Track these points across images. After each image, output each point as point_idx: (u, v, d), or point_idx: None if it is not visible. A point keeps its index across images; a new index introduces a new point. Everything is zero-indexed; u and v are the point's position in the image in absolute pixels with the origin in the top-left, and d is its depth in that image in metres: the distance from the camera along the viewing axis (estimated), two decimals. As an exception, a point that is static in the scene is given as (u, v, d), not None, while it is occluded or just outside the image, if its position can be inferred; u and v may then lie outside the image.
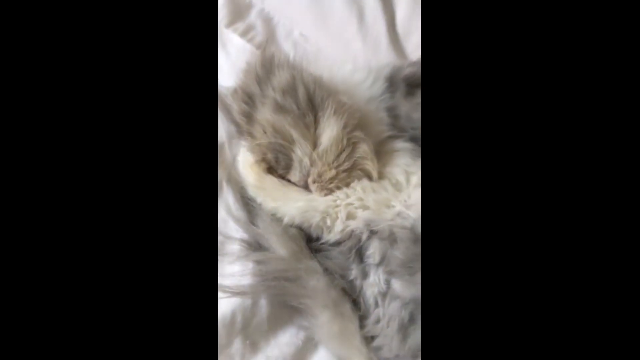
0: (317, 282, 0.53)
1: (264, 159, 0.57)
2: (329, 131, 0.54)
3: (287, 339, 0.53)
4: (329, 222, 0.55)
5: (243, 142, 0.60)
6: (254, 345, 0.52)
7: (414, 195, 0.54)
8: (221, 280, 0.52)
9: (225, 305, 0.52)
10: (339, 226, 0.54)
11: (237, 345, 0.51)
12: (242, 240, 0.56)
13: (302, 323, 0.53)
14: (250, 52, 0.77)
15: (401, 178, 0.56)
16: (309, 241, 0.57)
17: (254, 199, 0.58)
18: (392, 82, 0.60)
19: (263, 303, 0.53)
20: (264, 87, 0.57)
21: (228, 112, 0.63)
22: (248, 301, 0.53)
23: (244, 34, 0.81)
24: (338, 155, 0.55)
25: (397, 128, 0.58)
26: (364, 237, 0.53)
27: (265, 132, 0.55)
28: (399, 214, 0.53)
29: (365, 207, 0.54)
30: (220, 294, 0.51)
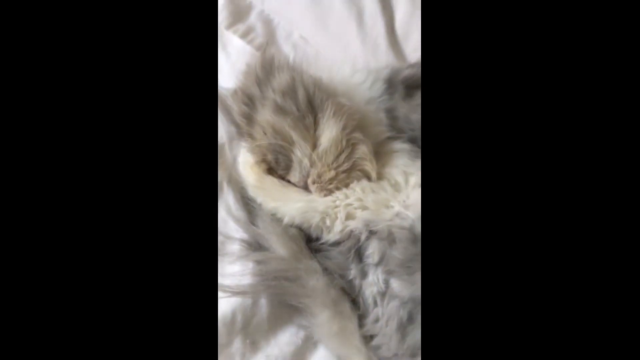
0: (316, 281, 0.53)
1: (264, 160, 0.57)
2: (329, 132, 0.55)
3: (287, 338, 0.53)
4: (328, 222, 0.55)
5: (243, 143, 0.60)
6: (254, 345, 0.52)
7: (413, 195, 0.54)
8: (221, 280, 0.52)
9: (226, 304, 0.52)
10: (338, 226, 0.55)
11: (237, 344, 0.51)
12: (243, 240, 0.57)
13: (301, 322, 0.54)
14: (251, 54, 0.77)
15: (400, 179, 0.56)
16: (309, 241, 0.57)
17: (254, 199, 0.58)
18: (390, 83, 0.60)
19: (263, 302, 0.54)
20: (264, 88, 0.57)
21: (228, 113, 0.63)
22: (248, 301, 0.53)
23: (244, 35, 0.81)
24: (337, 156, 0.55)
25: (396, 129, 0.59)
26: (363, 237, 0.53)
27: (265, 134, 0.56)
28: (397, 215, 0.53)
29: (364, 208, 0.54)
30: (220, 294, 0.51)
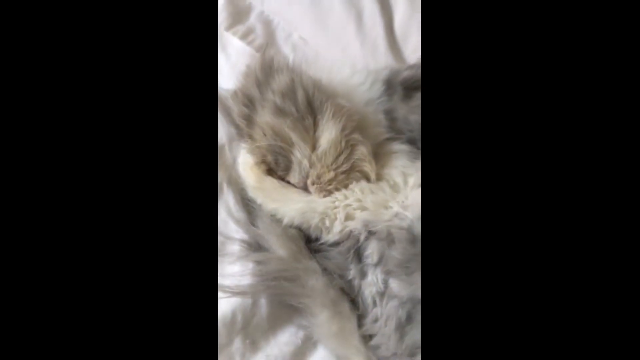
0: (316, 282, 0.53)
1: (263, 161, 0.57)
2: (328, 134, 0.55)
3: (286, 338, 0.53)
4: (327, 222, 0.55)
5: (243, 144, 0.60)
6: (254, 344, 0.52)
7: (412, 196, 0.55)
8: (221, 281, 0.53)
9: (226, 304, 0.52)
10: (337, 227, 0.55)
11: (237, 344, 0.52)
12: (242, 241, 0.57)
13: (301, 322, 0.54)
14: (250, 55, 0.77)
15: (399, 179, 0.56)
16: (308, 242, 0.57)
17: (254, 200, 0.58)
18: (389, 85, 0.60)
19: (263, 303, 0.54)
20: (264, 90, 0.57)
21: (228, 115, 0.63)
22: (248, 301, 0.53)
23: (243, 36, 0.81)
24: (337, 157, 0.55)
25: (395, 130, 0.59)
26: (362, 237, 0.54)
27: (265, 135, 0.56)
28: (396, 215, 0.54)
29: (363, 208, 0.55)
30: (220, 294, 0.51)
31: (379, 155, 0.58)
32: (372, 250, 0.53)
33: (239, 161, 0.61)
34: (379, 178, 0.57)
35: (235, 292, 0.53)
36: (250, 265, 0.55)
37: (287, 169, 0.57)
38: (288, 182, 0.58)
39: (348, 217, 0.55)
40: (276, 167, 0.57)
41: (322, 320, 0.52)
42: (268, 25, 0.84)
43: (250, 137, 0.58)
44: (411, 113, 0.58)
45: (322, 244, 0.56)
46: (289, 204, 0.56)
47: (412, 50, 0.79)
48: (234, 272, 0.54)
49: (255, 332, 0.53)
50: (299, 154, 0.55)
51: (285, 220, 0.56)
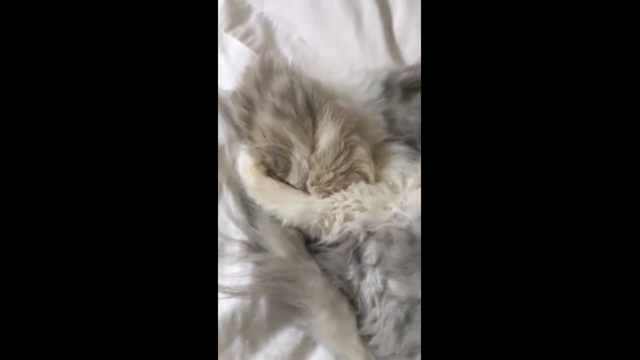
0: (315, 282, 0.53)
1: (263, 162, 0.57)
2: (327, 135, 0.55)
3: (286, 339, 0.53)
4: (327, 223, 0.55)
5: (243, 146, 0.60)
6: (253, 345, 0.52)
7: (410, 197, 0.55)
8: (221, 281, 0.53)
9: (226, 305, 0.53)
10: (336, 227, 0.55)
11: (237, 344, 0.52)
12: (242, 242, 0.57)
13: (300, 323, 0.54)
14: (250, 56, 0.77)
15: (397, 180, 0.56)
16: (308, 242, 0.57)
17: (254, 201, 0.59)
18: (388, 86, 0.60)
19: (262, 303, 0.54)
20: (263, 92, 0.57)
21: (228, 116, 0.63)
22: (248, 301, 0.54)
23: (243, 37, 0.81)
24: (336, 159, 0.55)
25: (394, 131, 0.59)
26: (361, 238, 0.54)
27: (264, 136, 0.56)
28: (395, 216, 0.54)
29: (362, 209, 0.55)
30: (220, 295, 0.51)
31: (378, 156, 0.58)
32: (371, 251, 0.53)
33: (239, 162, 0.61)
34: (378, 179, 0.57)
35: (235, 293, 0.53)
36: (249, 266, 0.55)
37: (287, 170, 0.57)
38: (287, 183, 0.58)
39: (347, 218, 0.55)
40: (275, 168, 0.57)
41: (322, 320, 0.52)
42: (267, 27, 0.84)
43: (250, 138, 0.58)
44: (410, 114, 0.59)
45: (321, 244, 0.56)
46: (289, 205, 0.56)
47: (411, 51, 0.79)
48: (233, 272, 0.55)
49: (254, 333, 0.53)
50: (298, 155, 0.56)
51: (285, 221, 0.56)
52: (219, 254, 0.56)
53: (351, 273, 0.54)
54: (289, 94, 0.56)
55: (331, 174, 0.56)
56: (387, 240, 0.52)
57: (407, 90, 0.60)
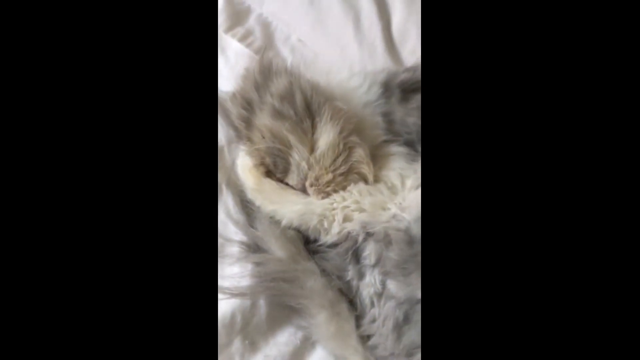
0: (314, 283, 0.54)
1: (262, 163, 0.58)
2: (326, 136, 0.55)
3: (285, 339, 0.54)
4: (326, 224, 0.56)
5: (242, 147, 0.61)
6: (253, 345, 0.53)
7: (409, 198, 0.55)
8: (221, 282, 0.53)
9: (225, 306, 0.53)
10: (335, 228, 0.55)
11: (236, 344, 0.52)
12: (242, 243, 0.58)
13: (300, 323, 0.54)
14: (249, 57, 0.77)
15: (396, 181, 0.57)
16: (307, 243, 0.58)
17: (253, 202, 0.59)
18: (387, 87, 0.60)
19: (262, 304, 0.54)
20: (262, 93, 0.58)
21: (227, 117, 0.63)
22: (247, 302, 0.54)
23: (242, 39, 0.81)
24: (335, 160, 0.56)
25: (392, 132, 0.59)
26: (360, 239, 0.54)
27: (263, 137, 0.56)
28: (394, 217, 0.54)
29: (361, 210, 0.55)
30: (220, 295, 0.52)
31: (377, 157, 0.58)
32: (369, 252, 0.53)
33: (238, 163, 0.61)
34: (377, 180, 0.57)
35: (234, 294, 0.53)
36: (249, 267, 0.56)
37: (286, 171, 0.57)
38: (287, 184, 0.58)
39: (346, 219, 0.55)
40: (275, 169, 0.58)
41: (321, 320, 0.52)
42: (267, 28, 0.84)
43: (249, 139, 0.58)
44: (408, 115, 0.59)
45: (320, 245, 0.57)
46: (288, 206, 0.57)
47: (410, 52, 0.79)
48: (233, 273, 0.55)
49: (254, 333, 0.53)
50: (298, 156, 0.56)
51: (284, 222, 0.56)
52: (219, 254, 0.56)
53: (350, 273, 0.55)
54: (288, 96, 0.56)
55: (330, 175, 0.56)
56: (386, 241, 0.53)
57: (405, 91, 0.60)
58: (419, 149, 0.57)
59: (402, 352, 0.50)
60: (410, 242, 0.51)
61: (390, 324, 0.51)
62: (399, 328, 0.50)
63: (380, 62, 0.77)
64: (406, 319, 0.50)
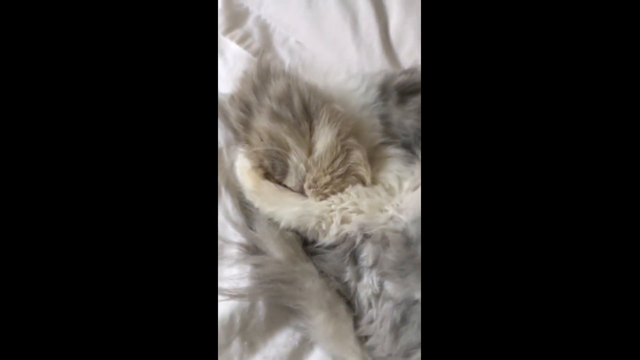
0: (312, 284, 0.54)
1: (260, 165, 0.58)
2: (324, 138, 0.56)
3: (283, 340, 0.54)
4: (324, 226, 0.56)
5: (240, 149, 0.61)
6: (251, 346, 0.53)
7: (406, 199, 0.55)
8: (220, 283, 0.53)
9: (224, 307, 0.53)
10: (333, 230, 0.55)
11: (235, 345, 0.52)
12: (240, 244, 0.58)
13: (298, 324, 0.55)
14: (247, 59, 0.77)
15: (394, 183, 0.57)
16: (305, 244, 0.58)
17: (252, 203, 0.59)
18: (384, 90, 0.61)
19: (260, 305, 0.55)
20: (261, 96, 0.58)
21: (226, 119, 0.63)
22: (246, 303, 0.54)
23: (241, 41, 0.81)
24: (332, 162, 0.56)
25: (390, 135, 0.59)
26: (358, 240, 0.54)
27: (262, 140, 0.56)
28: (391, 218, 0.54)
29: (359, 212, 0.55)
30: (219, 297, 0.52)
31: (374, 159, 0.58)
32: (367, 253, 0.54)
33: (237, 165, 0.61)
34: (375, 182, 0.57)
35: (233, 295, 0.53)
36: (248, 268, 0.56)
37: (284, 173, 0.58)
38: (285, 186, 0.58)
39: (344, 220, 0.55)
40: (273, 171, 0.58)
41: (319, 321, 0.53)
42: (265, 30, 0.84)
43: (248, 141, 0.59)
44: (406, 118, 0.59)
45: (318, 246, 0.57)
46: (286, 208, 0.57)
47: (407, 54, 0.79)
48: (232, 275, 0.55)
49: (253, 334, 0.54)
50: (296, 158, 0.56)
51: (283, 224, 0.57)
52: (218, 256, 0.56)
53: (348, 275, 0.55)
54: (286, 98, 0.56)
55: (328, 177, 0.56)
56: (383, 242, 0.53)
57: (403, 93, 0.60)
58: (416, 151, 0.58)
59: (399, 352, 0.50)
60: (407, 243, 0.52)
61: (387, 324, 0.51)
62: (397, 329, 0.51)
63: (377, 64, 0.78)
64: (403, 319, 0.51)
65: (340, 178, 0.57)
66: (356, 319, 0.54)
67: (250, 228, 0.58)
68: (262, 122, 0.57)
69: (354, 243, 0.55)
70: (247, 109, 0.59)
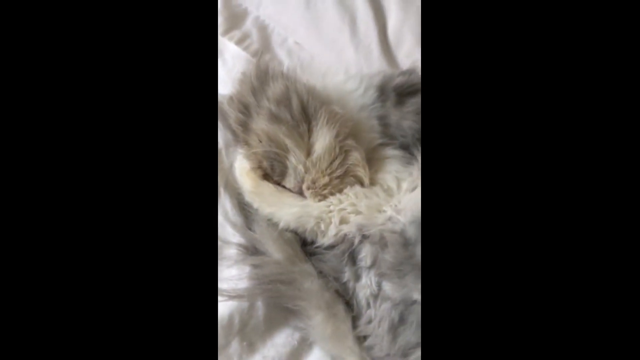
0: (311, 284, 0.54)
1: (259, 167, 0.58)
2: (322, 140, 0.56)
3: (282, 340, 0.54)
4: (322, 226, 0.56)
5: (239, 150, 0.61)
6: (251, 346, 0.53)
7: (404, 200, 0.55)
8: (219, 284, 0.53)
9: (223, 307, 0.53)
10: (332, 230, 0.56)
11: (234, 346, 0.53)
12: (239, 245, 0.58)
13: (297, 324, 0.55)
14: (246, 60, 0.78)
15: (392, 184, 0.57)
16: (304, 245, 0.58)
17: (251, 204, 0.59)
18: (382, 91, 0.61)
19: (259, 305, 0.55)
20: (259, 97, 0.58)
21: (225, 120, 0.64)
22: (245, 304, 0.54)
23: (239, 42, 0.81)
24: (331, 163, 0.56)
25: (388, 136, 0.60)
26: (356, 241, 0.54)
27: (260, 141, 0.57)
28: (389, 219, 0.54)
29: (357, 212, 0.55)
30: (218, 297, 0.52)
31: (373, 160, 0.59)
32: (365, 254, 0.54)
33: (236, 166, 0.62)
34: (373, 183, 0.58)
35: (232, 296, 0.54)
36: (247, 269, 0.56)
37: (283, 174, 0.58)
38: (284, 187, 0.59)
39: (343, 221, 0.56)
40: (272, 172, 0.58)
41: (318, 322, 0.53)
42: (263, 30, 0.84)
43: (247, 143, 0.59)
44: (404, 119, 0.59)
45: (317, 247, 0.57)
46: (285, 209, 0.57)
47: (405, 55, 0.79)
48: (231, 275, 0.55)
49: (252, 334, 0.54)
50: (294, 159, 0.56)
51: (281, 224, 0.57)
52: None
53: (347, 275, 0.55)
54: (284, 100, 0.57)
55: (327, 178, 0.56)
56: (382, 243, 0.53)
57: (401, 95, 0.61)
58: (414, 152, 0.58)
59: (397, 352, 0.50)
60: (405, 244, 0.52)
61: (386, 324, 0.51)
62: (395, 329, 0.51)
63: (376, 65, 0.78)
64: (402, 320, 0.51)
65: (338, 179, 0.57)
66: (355, 319, 0.54)
67: (249, 229, 0.58)
68: (260, 124, 0.57)
69: (352, 244, 0.55)
70: (245, 110, 0.59)
